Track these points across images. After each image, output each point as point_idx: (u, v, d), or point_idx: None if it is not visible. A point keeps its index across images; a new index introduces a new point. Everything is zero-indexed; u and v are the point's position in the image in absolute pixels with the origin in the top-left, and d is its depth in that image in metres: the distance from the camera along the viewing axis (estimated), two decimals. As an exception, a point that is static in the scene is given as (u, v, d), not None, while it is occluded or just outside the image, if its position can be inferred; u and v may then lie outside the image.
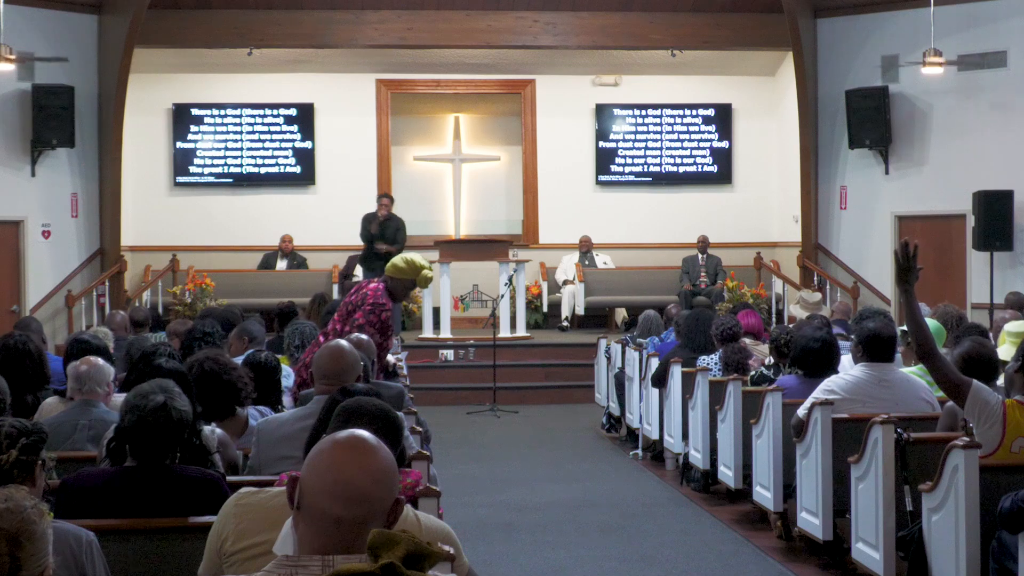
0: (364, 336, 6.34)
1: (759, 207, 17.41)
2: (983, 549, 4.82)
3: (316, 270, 16.43)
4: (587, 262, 16.69)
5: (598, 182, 17.39)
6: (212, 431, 4.47)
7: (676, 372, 9.32)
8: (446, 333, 14.90)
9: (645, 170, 17.46)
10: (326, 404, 3.99)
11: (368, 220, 14.71)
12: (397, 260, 7.57)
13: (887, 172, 15.07)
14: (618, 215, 17.24)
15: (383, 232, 14.56)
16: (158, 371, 4.74)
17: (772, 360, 8.18)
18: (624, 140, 17.41)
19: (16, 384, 5.99)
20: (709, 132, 17.48)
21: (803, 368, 7.24)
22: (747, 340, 9.36)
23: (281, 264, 16.52)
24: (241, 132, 16.99)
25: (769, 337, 8.89)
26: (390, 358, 8.13)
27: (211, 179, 17.00)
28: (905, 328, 6.00)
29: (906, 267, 5.07)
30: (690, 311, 10.69)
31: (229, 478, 4.19)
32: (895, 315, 12.83)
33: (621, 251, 17.09)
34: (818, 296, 12.96)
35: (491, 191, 17.55)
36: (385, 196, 15.04)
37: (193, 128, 16.94)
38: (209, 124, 16.97)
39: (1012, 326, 8.11)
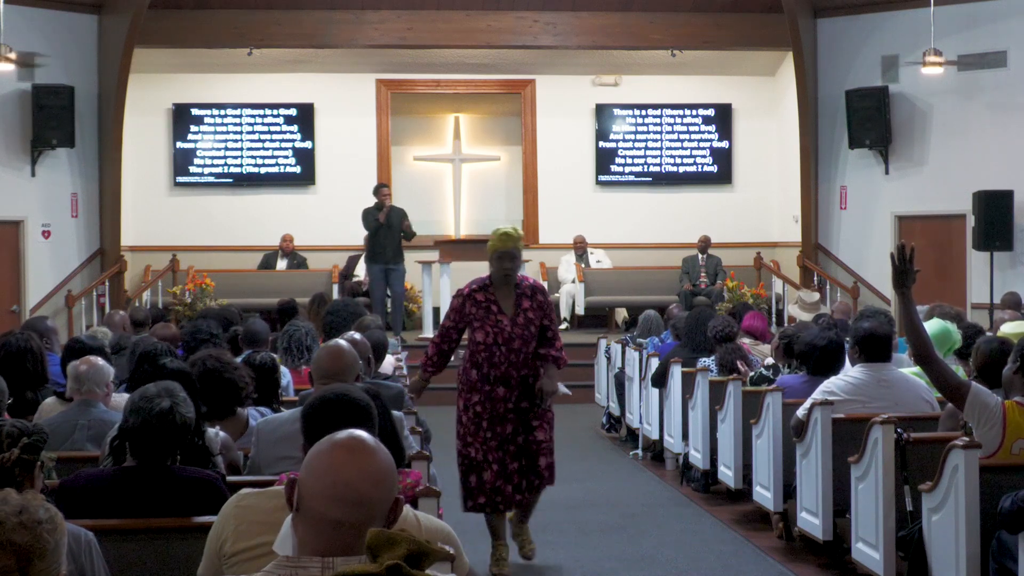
0: (358, 335, 6.34)
1: (759, 207, 17.41)
2: (983, 549, 4.82)
3: (316, 270, 16.42)
4: (584, 263, 16.67)
5: (598, 182, 17.39)
6: (216, 433, 4.46)
7: (676, 372, 9.32)
8: (446, 333, 14.85)
9: (645, 170, 17.45)
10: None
11: (376, 210, 14.59)
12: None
13: (887, 172, 15.07)
14: (618, 215, 17.23)
15: (390, 221, 14.53)
16: (161, 371, 4.74)
17: (772, 360, 8.17)
18: (624, 140, 17.40)
19: (17, 382, 6.02)
20: (709, 132, 17.48)
21: (808, 365, 7.23)
22: (747, 341, 9.36)
23: (281, 264, 16.51)
24: (241, 132, 16.99)
25: (770, 337, 8.89)
26: (389, 358, 8.08)
27: (211, 179, 16.99)
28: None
29: (902, 270, 5.04)
30: (690, 311, 10.70)
31: (229, 478, 4.19)
32: (894, 317, 12.82)
33: (621, 251, 17.09)
34: (816, 296, 12.96)
35: (491, 191, 17.55)
36: (385, 186, 15.05)
37: (193, 128, 16.94)
38: (209, 124, 16.97)
39: (1010, 327, 8.11)
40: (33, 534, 2.33)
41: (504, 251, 6.64)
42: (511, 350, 6.55)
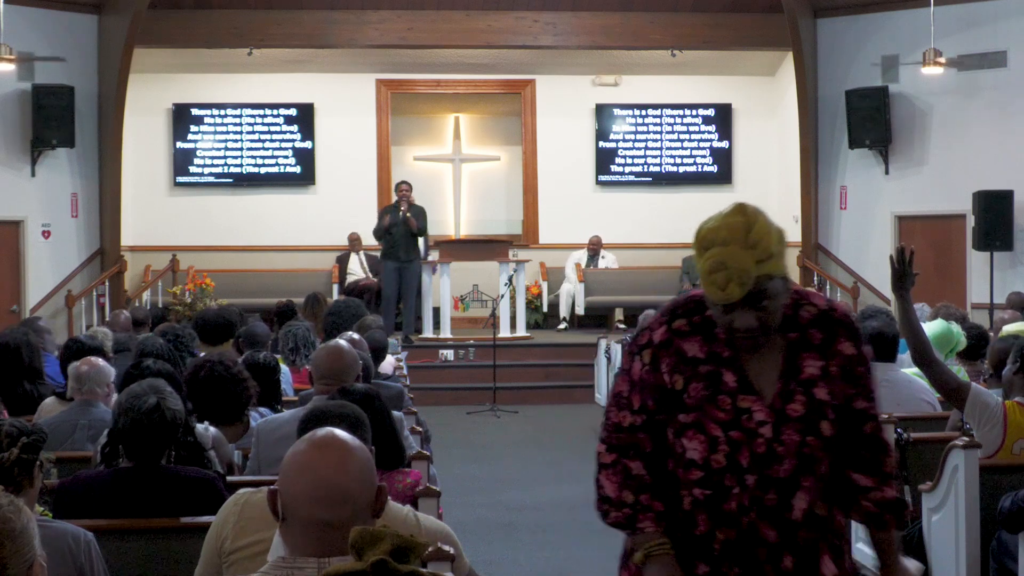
0: (356, 335, 6.33)
1: (759, 207, 17.37)
2: (983, 549, 4.82)
3: (316, 270, 16.42)
4: (594, 264, 16.67)
5: (598, 182, 17.38)
6: (206, 429, 4.46)
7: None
8: (446, 333, 14.90)
9: (645, 170, 17.45)
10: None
11: (394, 208, 14.66)
12: None
13: (887, 172, 15.07)
14: (618, 215, 17.23)
15: (403, 218, 14.55)
16: (143, 373, 4.73)
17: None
18: (624, 140, 17.40)
19: (13, 376, 6.11)
20: (709, 132, 17.48)
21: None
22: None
23: (353, 261, 16.30)
24: (241, 132, 16.99)
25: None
26: (390, 358, 8.07)
27: (211, 179, 16.99)
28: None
29: (901, 273, 5.02)
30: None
31: (229, 478, 4.19)
32: (894, 317, 12.82)
33: (621, 251, 17.09)
34: (823, 298, 12.98)
35: (491, 191, 17.55)
36: (405, 183, 15.04)
37: (193, 128, 16.93)
38: (209, 124, 16.97)
39: (1011, 327, 8.11)
40: None
41: (730, 304, 2.97)
42: (770, 481, 2.92)
